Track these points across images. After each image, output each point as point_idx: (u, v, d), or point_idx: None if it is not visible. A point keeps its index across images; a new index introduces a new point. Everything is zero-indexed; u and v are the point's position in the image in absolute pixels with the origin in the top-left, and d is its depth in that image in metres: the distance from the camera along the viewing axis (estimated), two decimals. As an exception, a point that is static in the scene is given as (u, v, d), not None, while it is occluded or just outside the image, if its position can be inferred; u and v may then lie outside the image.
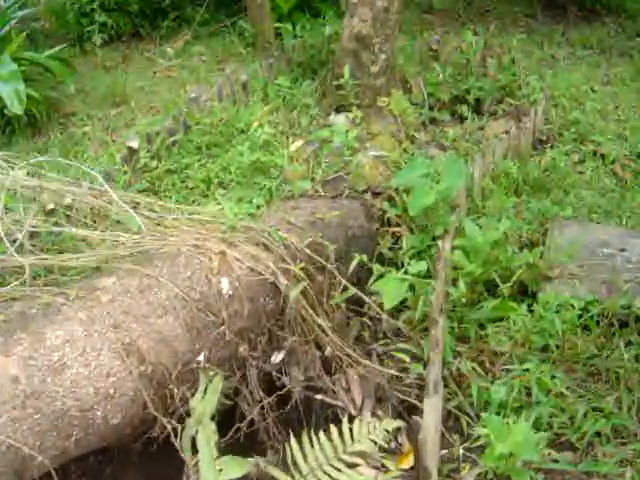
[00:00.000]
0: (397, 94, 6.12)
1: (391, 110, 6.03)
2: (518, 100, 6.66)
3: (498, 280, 4.64)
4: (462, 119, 6.71)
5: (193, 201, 5.35)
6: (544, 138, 6.48)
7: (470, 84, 6.81)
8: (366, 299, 4.31)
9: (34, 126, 6.79)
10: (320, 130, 5.62)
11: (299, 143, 5.90)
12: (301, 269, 4.09)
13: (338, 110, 6.11)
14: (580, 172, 6.00)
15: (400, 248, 5.09)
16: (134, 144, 5.65)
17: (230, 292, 3.86)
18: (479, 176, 5.48)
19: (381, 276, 4.61)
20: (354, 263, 4.47)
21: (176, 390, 3.60)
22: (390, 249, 5.18)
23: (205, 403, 3.64)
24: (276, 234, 4.14)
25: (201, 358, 3.69)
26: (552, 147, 6.32)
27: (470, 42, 6.92)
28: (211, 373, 3.65)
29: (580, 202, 5.60)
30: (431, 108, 6.66)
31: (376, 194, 5.44)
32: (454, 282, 4.51)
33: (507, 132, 6.38)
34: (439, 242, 4.66)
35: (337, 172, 5.35)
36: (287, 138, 6.07)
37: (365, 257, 4.53)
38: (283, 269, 4.04)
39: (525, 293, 4.80)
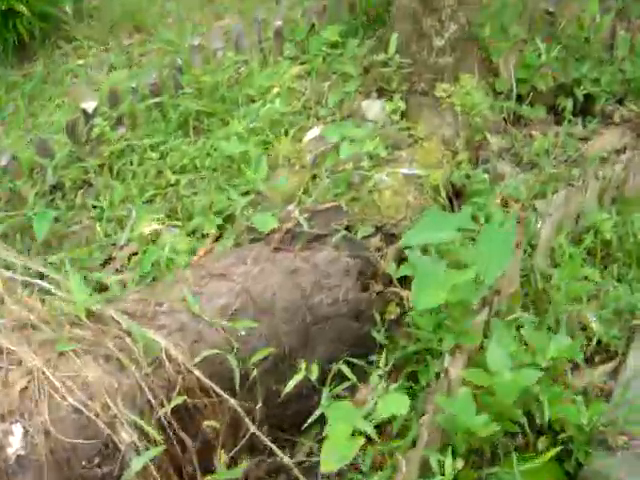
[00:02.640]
0: (468, 81, 3.98)
1: (453, 103, 3.88)
2: (645, 106, 4.35)
3: (529, 434, 2.66)
4: (561, 120, 4.46)
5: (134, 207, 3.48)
6: (669, 173, 4.16)
7: (583, 72, 4.51)
8: (286, 461, 2.40)
9: (27, 49, 4.98)
10: (330, 127, 3.57)
11: (313, 133, 3.87)
12: (184, 405, 2.25)
13: (381, 92, 4.00)
14: None
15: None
16: (89, 106, 3.77)
17: (22, 451, 2.06)
18: (550, 233, 3.34)
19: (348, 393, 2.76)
20: (291, 384, 2.55)
21: None
22: (392, 324, 3.22)
23: None
24: (143, 338, 2.24)
25: None
26: (678, 190, 4.02)
27: (594, 13, 4.55)
28: None
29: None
30: (520, 99, 4.43)
31: (391, 236, 3.41)
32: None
33: (619, 152, 4.11)
34: (446, 361, 2.69)
35: (337, 197, 3.32)
36: (307, 119, 4.04)
37: (316, 369, 2.60)
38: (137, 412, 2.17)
39: (567, 453, 2.78)
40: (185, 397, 2.34)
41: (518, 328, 3.07)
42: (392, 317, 3.35)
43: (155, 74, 4.17)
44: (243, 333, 2.59)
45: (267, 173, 3.58)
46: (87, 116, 3.93)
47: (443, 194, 3.59)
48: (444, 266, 2.77)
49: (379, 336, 3.15)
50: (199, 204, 3.64)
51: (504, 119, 4.42)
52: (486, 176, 4.08)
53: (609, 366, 3.22)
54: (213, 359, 2.46)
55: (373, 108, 3.91)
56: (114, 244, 3.59)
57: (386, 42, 4.07)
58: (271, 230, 3.20)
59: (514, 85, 4.40)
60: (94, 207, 3.74)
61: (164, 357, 2.34)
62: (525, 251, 3.43)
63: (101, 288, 3.36)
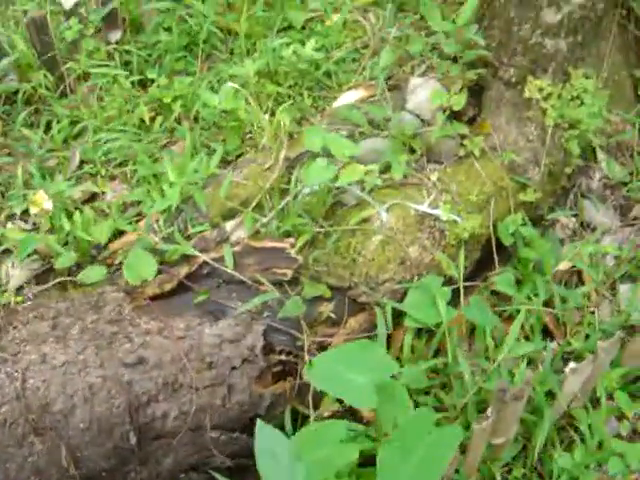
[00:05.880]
0: (582, 80, 2.54)
1: (546, 111, 2.50)
2: None
3: None
4: None
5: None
6: None
7: None
8: None
9: None
10: (314, 127, 2.38)
11: (345, 100, 2.72)
12: None
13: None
14: None
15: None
16: (67, 0, 2.78)
17: None
18: (590, 372, 2.08)
19: None
20: None
21: None
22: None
23: None
24: None
25: None
26: None
27: None
28: None
29: None
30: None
31: (359, 305, 2.29)
32: None
33: None
34: None
35: (299, 228, 2.22)
36: (354, 74, 2.87)
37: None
38: None
39: None
40: None
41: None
42: (326, 414, 2.28)
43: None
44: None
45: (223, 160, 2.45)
46: (66, 14, 2.89)
47: (462, 256, 2.31)
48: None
49: (275, 454, 2.07)
50: (144, 169, 2.60)
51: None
52: (571, 223, 2.71)
53: None
54: None
55: (419, 93, 2.57)
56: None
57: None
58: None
59: (669, 90, 2.84)
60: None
61: None
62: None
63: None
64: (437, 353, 2.35)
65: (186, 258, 2.24)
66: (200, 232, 2.31)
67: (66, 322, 1.91)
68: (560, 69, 2.63)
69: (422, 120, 2.58)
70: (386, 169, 2.50)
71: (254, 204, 2.35)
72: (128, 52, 2.99)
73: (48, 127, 2.90)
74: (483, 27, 2.69)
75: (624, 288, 2.55)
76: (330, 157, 2.31)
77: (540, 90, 2.61)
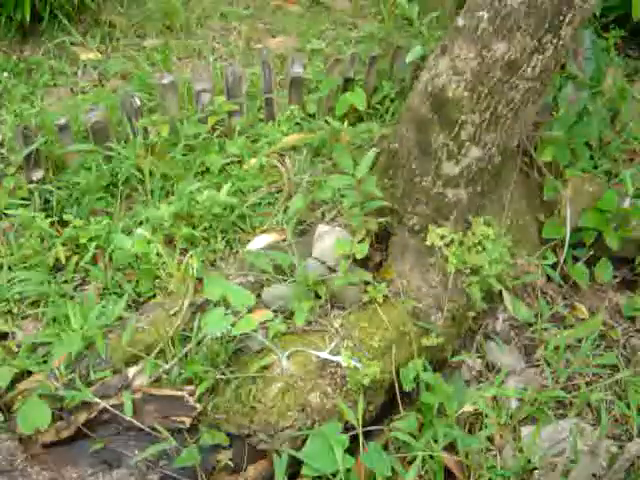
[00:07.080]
0: (482, 228, 2.69)
1: (447, 258, 2.64)
2: None
3: None
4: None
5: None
6: None
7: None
8: None
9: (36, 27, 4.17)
10: (213, 276, 2.48)
11: (257, 244, 2.84)
12: None
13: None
14: None
15: None
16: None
17: None
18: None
19: None
20: None
21: None
22: None
23: None
24: None
25: None
26: None
27: None
28: None
29: None
30: (578, 248, 3.11)
31: (259, 453, 2.32)
32: None
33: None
34: None
35: (200, 376, 2.26)
36: (267, 218, 2.97)
37: None
38: None
39: None
40: None
41: None
42: None
43: (100, 112, 3.15)
44: None
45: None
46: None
47: (361, 403, 2.38)
48: None
49: None
50: (54, 309, 2.66)
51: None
52: (477, 364, 2.81)
53: None
54: None
55: (326, 240, 2.70)
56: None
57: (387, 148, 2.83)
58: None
59: (567, 233, 3.01)
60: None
61: None
62: None
63: None
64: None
65: (86, 404, 2.28)
66: (102, 378, 2.35)
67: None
68: (461, 217, 2.80)
69: (328, 267, 2.69)
70: (291, 315, 2.60)
71: (157, 350, 2.41)
72: (50, 191, 3.10)
73: (-36, 265, 2.96)
74: (388, 176, 2.86)
75: (526, 430, 2.63)
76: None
77: (442, 237, 2.76)
